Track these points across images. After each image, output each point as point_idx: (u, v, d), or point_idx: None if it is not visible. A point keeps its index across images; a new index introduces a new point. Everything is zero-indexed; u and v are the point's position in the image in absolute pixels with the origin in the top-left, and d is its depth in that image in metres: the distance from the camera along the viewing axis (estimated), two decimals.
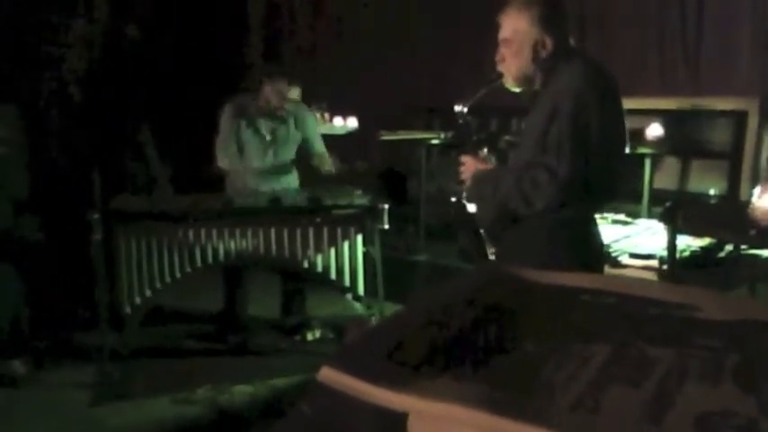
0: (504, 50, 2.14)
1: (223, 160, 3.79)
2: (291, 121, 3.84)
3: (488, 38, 2.21)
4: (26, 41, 5.10)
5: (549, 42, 2.08)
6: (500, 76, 2.17)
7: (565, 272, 1.09)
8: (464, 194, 2.27)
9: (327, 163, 3.89)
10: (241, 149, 3.78)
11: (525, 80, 2.14)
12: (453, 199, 2.32)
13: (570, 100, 1.95)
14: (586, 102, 1.95)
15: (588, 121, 1.94)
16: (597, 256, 2.22)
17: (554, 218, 2.03)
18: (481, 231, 2.24)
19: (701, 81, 4.42)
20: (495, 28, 2.16)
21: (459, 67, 5.21)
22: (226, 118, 3.80)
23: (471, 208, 2.27)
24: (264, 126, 3.80)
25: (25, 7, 5.08)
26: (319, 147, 3.95)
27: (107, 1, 5.60)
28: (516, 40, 2.10)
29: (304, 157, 3.95)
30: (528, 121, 2.18)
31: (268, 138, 3.80)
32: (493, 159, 2.27)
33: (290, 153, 3.90)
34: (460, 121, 2.27)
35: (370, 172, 3.85)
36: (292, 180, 3.95)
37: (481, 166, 2.21)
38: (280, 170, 3.87)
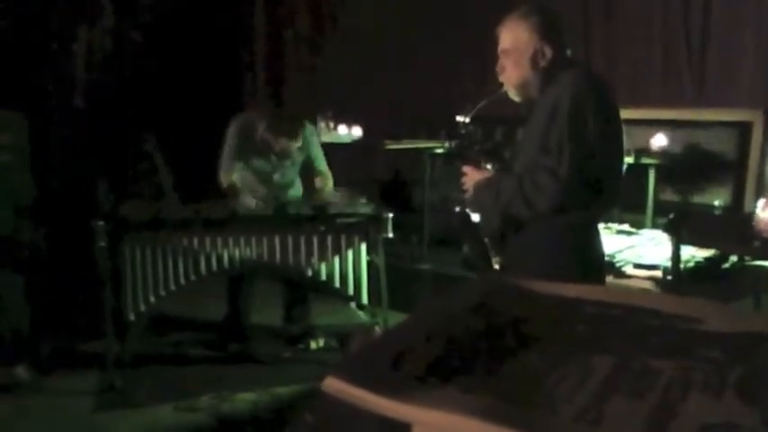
0: (504, 61, 2.17)
1: (225, 178, 3.78)
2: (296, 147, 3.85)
3: (492, 48, 2.23)
4: (31, 48, 5.13)
5: (548, 51, 2.11)
6: (501, 86, 2.19)
7: (568, 281, 1.09)
8: (467, 203, 2.28)
9: (329, 183, 3.89)
10: (248, 169, 3.79)
11: (526, 89, 2.17)
12: (457, 209, 2.33)
13: (569, 102, 1.97)
14: (585, 104, 1.97)
15: (587, 123, 1.96)
16: (599, 263, 2.22)
17: (557, 224, 2.04)
18: (485, 240, 2.24)
19: (706, 92, 4.42)
20: (497, 39, 2.18)
21: (463, 77, 5.22)
22: (230, 137, 3.78)
23: (475, 217, 2.28)
24: (270, 154, 3.79)
25: (30, 14, 5.11)
26: (322, 166, 3.94)
27: (112, 8, 5.63)
28: (516, 50, 2.13)
29: (306, 176, 3.95)
30: (527, 128, 2.20)
31: (274, 161, 3.81)
32: (495, 169, 2.28)
33: (294, 173, 3.93)
34: (463, 132, 2.29)
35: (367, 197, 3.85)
36: (296, 194, 3.97)
37: (483, 175, 2.22)
38: (284, 187, 3.89)
